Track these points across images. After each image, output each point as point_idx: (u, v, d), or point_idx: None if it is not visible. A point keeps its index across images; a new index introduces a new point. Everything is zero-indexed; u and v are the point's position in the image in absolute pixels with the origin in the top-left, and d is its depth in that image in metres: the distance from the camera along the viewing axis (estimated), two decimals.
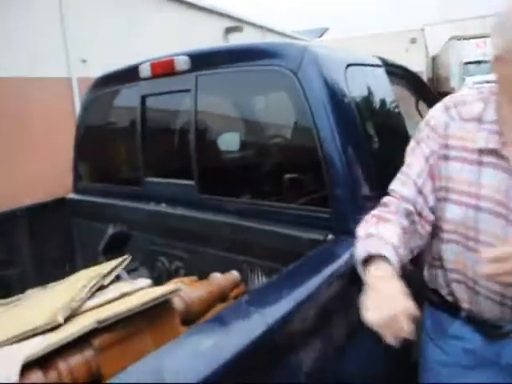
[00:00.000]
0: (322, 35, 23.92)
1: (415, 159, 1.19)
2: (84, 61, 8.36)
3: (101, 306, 1.21)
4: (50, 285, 1.91)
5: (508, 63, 1.05)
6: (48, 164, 7.48)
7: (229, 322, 1.00)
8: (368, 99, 1.92)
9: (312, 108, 1.57)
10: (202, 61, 1.93)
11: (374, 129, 1.89)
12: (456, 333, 1.24)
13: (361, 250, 1.11)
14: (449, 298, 1.25)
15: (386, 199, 1.22)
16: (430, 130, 1.18)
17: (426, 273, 1.32)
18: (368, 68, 2.01)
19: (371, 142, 1.77)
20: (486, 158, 1.10)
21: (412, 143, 1.23)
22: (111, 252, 2.03)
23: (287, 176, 1.73)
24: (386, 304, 0.94)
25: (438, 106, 1.21)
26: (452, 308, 1.24)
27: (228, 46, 2.37)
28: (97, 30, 8.52)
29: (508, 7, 1.06)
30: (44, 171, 7.37)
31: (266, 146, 1.94)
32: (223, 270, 1.65)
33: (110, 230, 2.16)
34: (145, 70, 2.12)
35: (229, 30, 13.58)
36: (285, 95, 1.77)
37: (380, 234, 1.10)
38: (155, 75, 2.09)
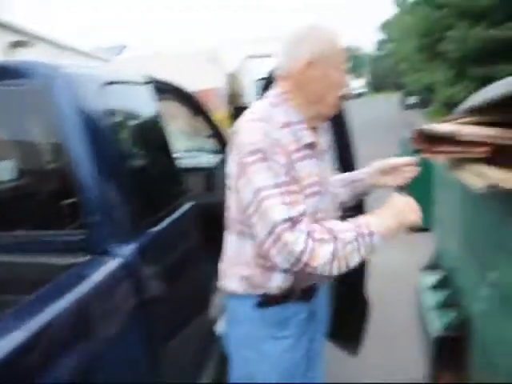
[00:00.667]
0: (120, 53, 23.58)
1: (277, 177, 1.24)
2: None
3: None
4: None
5: (316, 66, 1.34)
6: None
7: None
8: (129, 118, 1.94)
9: (64, 130, 1.53)
10: None
11: (134, 147, 1.95)
12: (291, 314, 1.43)
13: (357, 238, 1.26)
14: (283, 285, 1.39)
15: (297, 233, 1.22)
16: (268, 149, 1.25)
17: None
18: (130, 86, 2.02)
19: (130, 160, 1.81)
20: (308, 152, 1.36)
21: (253, 168, 1.25)
22: None
23: (41, 201, 1.67)
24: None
25: (254, 129, 1.29)
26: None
27: None
28: None
29: (307, 24, 1.38)
30: None
31: (20, 171, 1.83)
32: None
33: None
34: None
35: (14, 45, 12.41)
36: (37, 116, 1.71)
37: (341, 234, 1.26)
38: None
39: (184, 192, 2.16)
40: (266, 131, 1.27)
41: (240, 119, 1.35)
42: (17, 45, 12.43)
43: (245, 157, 1.25)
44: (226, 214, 1.46)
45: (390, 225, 1.32)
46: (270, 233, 1.20)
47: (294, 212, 1.21)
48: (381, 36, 56.65)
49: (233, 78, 25.31)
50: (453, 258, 2.18)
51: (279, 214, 1.19)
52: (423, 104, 24.40)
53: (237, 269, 1.41)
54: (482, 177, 1.38)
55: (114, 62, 20.32)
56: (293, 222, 1.20)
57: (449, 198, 2.27)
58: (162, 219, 1.85)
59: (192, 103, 2.90)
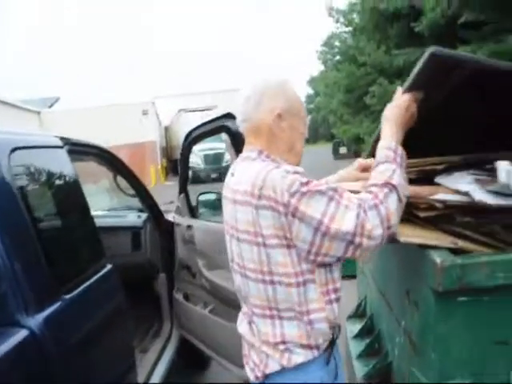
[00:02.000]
0: (52, 105, 23.24)
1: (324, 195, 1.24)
2: None
3: None
4: None
5: (285, 118, 1.39)
6: None
7: None
8: (41, 182, 1.90)
9: None
10: None
11: (47, 211, 1.89)
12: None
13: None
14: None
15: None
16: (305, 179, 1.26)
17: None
18: (41, 150, 1.98)
19: (42, 225, 1.74)
20: None
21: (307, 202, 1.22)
22: None
23: None
24: None
25: (281, 172, 1.26)
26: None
27: None
28: None
29: (272, 78, 1.44)
30: None
31: None
32: None
33: None
34: None
35: None
36: None
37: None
38: None
39: (103, 254, 2.11)
40: (288, 169, 1.28)
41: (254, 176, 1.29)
42: None
43: (292, 198, 1.22)
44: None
45: (399, 135, 1.41)
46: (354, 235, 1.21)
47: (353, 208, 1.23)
48: (309, 90, 59.78)
49: (168, 132, 25.59)
50: (374, 306, 2.25)
51: (348, 222, 1.21)
52: (353, 154, 25.67)
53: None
54: None
55: (45, 114, 19.93)
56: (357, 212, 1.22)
57: None
58: (77, 285, 1.79)
59: (114, 162, 2.88)
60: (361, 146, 21.55)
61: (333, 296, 1.33)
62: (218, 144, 18.26)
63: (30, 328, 1.43)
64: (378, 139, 1.44)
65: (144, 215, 3.24)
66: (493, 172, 1.38)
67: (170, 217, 3.27)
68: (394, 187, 1.27)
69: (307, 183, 1.24)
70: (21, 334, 1.39)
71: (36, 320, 1.46)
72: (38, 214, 1.74)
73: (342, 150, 26.39)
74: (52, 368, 1.48)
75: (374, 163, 1.39)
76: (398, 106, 1.46)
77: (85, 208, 2.09)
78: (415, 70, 1.45)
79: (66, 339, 1.61)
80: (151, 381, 2.39)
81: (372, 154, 1.57)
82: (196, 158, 18.21)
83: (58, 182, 2.03)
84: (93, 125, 17.58)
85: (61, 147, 2.11)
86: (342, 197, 1.24)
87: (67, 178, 2.08)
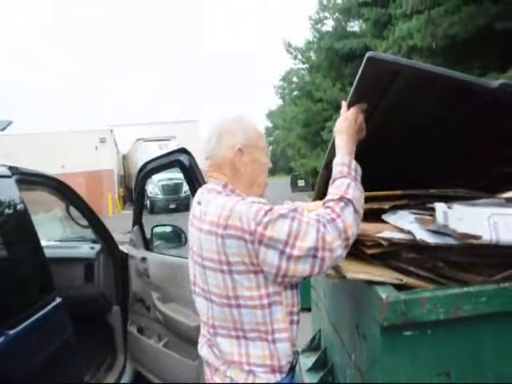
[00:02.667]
0: (4, 128, 22.56)
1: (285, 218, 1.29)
2: None
3: None
4: None
5: (247, 152, 1.44)
6: None
7: None
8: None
9: None
10: None
11: None
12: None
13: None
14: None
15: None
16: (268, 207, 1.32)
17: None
18: None
19: None
20: None
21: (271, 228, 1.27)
22: None
23: None
24: None
25: (247, 202, 1.32)
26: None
27: None
28: None
29: (231, 114, 1.52)
30: None
31: None
32: None
33: None
34: None
35: None
36: None
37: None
38: None
39: (53, 287, 2.05)
40: (254, 200, 1.34)
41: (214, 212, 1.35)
42: None
43: (258, 226, 1.27)
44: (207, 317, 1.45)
45: (351, 147, 1.50)
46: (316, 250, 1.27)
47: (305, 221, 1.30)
48: (268, 124, 60.78)
49: (126, 160, 25.25)
50: (328, 339, 2.28)
51: (310, 237, 1.27)
52: (311, 186, 26.13)
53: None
54: (337, 269, 1.51)
55: None
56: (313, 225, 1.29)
57: (318, 282, 2.42)
58: (23, 319, 1.73)
59: (66, 192, 2.84)
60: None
61: (295, 318, 1.40)
62: (177, 174, 18.16)
63: None
64: (327, 165, 1.52)
65: (97, 246, 3.17)
66: (433, 211, 1.46)
67: (124, 248, 3.22)
68: (349, 200, 1.35)
69: (271, 210, 1.30)
70: None
71: None
72: None
73: (300, 182, 26.82)
74: None
75: (330, 180, 1.46)
76: (347, 119, 1.53)
77: (34, 239, 2.04)
78: (357, 77, 1.51)
79: (9, 376, 1.55)
80: None
81: (323, 180, 1.63)
82: (154, 188, 18.04)
83: (5, 211, 1.98)
84: (49, 150, 17.12)
85: (9, 177, 2.08)
86: (302, 215, 1.31)
87: (15, 209, 2.03)
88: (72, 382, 2.06)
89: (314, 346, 2.54)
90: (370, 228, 1.61)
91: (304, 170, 22.46)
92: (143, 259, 2.91)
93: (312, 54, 19.86)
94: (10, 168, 2.12)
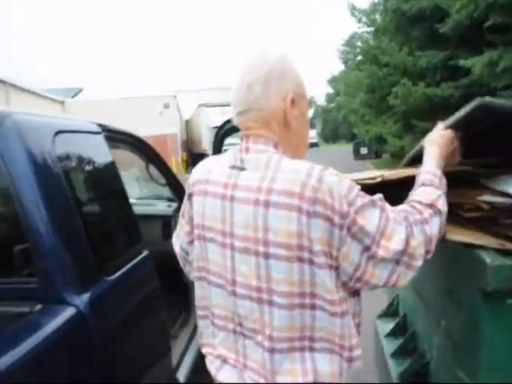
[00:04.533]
0: (75, 95, 23.48)
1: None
2: None
3: None
4: None
5: (297, 104, 1.15)
6: None
7: None
8: (81, 166, 1.93)
9: (13, 178, 1.51)
10: None
11: (89, 195, 1.92)
12: None
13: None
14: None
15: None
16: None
17: None
18: (82, 135, 2.01)
19: (84, 208, 1.78)
20: None
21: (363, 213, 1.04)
22: None
23: None
24: None
25: (336, 177, 1.05)
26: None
27: None
28: None
29: (276, 56, 1.16)
30: None
31: None
32: None
33: None
34: None
35: None
36: None
37: None
38: None
39: (141, 240, 2.13)
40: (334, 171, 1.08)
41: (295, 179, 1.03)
42: None
43: (350, 207, 1.02)
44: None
45: (442, 162, 1.33)
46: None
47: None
48: (329, 89, 59.26)
49: (189, 125, 25.67)
50: (407, 306, 2.24)
51: (398, 238, 1.06)
52: (374, 154, 25.45)
53: None
54: None
55: (68, 104, 20.12)
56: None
57: None
58: (118, 268, 1.81)
59: (146, 151, 2.90)
60: (383, 147, 21.30)
61: (359, 330, 1.14)
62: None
63: (77, 306, 1.46)
64: (414, 158, 1.40)
65: (174, 205, 3.25)
66: None
67: None
68: (439, 211, 1.16)
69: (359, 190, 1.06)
70: (68, 312, 1.43)
71: (82, 299, 1.49)
72: (80, 196, 1.77)
73: (363, 150, 26.17)
74: (95, 345, 1.51)
75: (415, 183, 1.27)
76: (443, 136, 1.39)
77: (123, 193, 2.12)
78: (458, 115, 1.44)
79: (107, 319, 1.64)
80: (181, 368, 2.41)
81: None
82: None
83: (97, 166, 2.05)
84: (115, 116, 17.63)
85: (99, 133, 2.14)
86: (386, 206, 1.09)
87: (106, 163, 2.10)
88: (158, 330, 2.16)
89: (391, 311, 2.51)
90: (469, 192, 1.53)
91: (368, 137, 21.82)
92: None
93: (377, 16, 18.98)
94: (99, 125, 2.18)
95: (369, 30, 20.74)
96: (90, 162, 1.99)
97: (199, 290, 1.24)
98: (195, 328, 3.11)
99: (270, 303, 1.05)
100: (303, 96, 1.20)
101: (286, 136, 1.15)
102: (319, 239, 1.01)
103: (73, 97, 23.17)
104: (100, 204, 1.97)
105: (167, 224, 3.17)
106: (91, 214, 1.85)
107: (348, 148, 29.65)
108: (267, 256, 1.04)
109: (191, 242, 1.26)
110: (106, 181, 2.11)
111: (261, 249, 1.04)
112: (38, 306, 1.43)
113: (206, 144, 18.95)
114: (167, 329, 2.23)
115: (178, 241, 1.39)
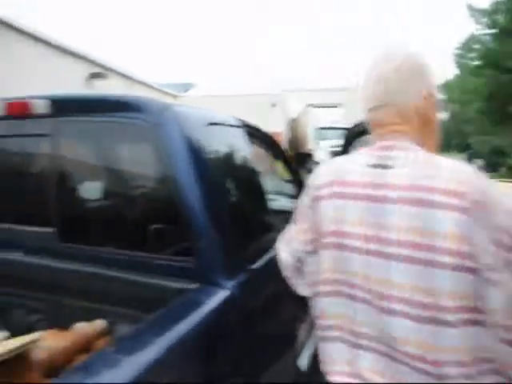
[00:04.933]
0: (187, 90, 24.65)
1: None
2: None
3: None
4: None
5: (431, 99, 1.09)
6: None
7: (95, 370, 0.99)
8: (226, 156, 2.05)
9: (173, 161, 1.63)
10: (64, 106, 1.90)
11: (232, 183, 2.03)
12: None
13: None
14: None
15: None
16: None
17: None
18: (227, 127, 2.14)
19: (230, 195, 1.89)
20: None
21: None
22: None
23: (151, 226, 1.76)
24: None
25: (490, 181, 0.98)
26: None
27: (91, 95, 2.37)
28: None
29: (411, 52, 1.10)
30: None
31: (130, 196, 1.94)
32: (86, 321, 1.60)
33: None
34: None
35: (93, 76, 13.24)
36: (147, 148, 1.81)
37: None
38: (10, 116, 1.99)
39: (277, 232, 2.20)
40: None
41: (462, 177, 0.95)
42: (94, 76, 13.23)
43: None
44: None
45: None
46: None
47: None
48: (441, 96, 55.92)
49: (295, 124, 25.85)
50: None
51: None
52: (490, 167, 23.78)
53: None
54: None
55: (180, 98, 21.19)
56: None
57: None
58: (259, 257, 1.90)
59: (273, 147, 2.98)
60: (503, 160, 19.74)
61: None
62: None
63: (230, 289, 1.55)
64: None
65: (295, 201, 3.30)
66: None
67: None
68: None
69: None
70: (223, 294, 1.52)
71: (233, 283, 1.58)
72: (229, 183, 1.88)
73: (478, 162, 24.58)
74: (243, 328, 1.59)
75: None
76: None
77: (261, 186, 2.20)
78: None
79: (253, 305, 1.72)
80: (302, 357, 2.44)
81: None
82: (323, 154, 18.03)
83: (240, 158, 2.16)
84: (223, 112, 18.30)
85: (241, 127, 2.26)
86: None
87: (247, 156, 2.21)
88: (291, 320, 2.23)
89: None
90: None
91: (484, 149, 20.43)
92: None
93: (500, 16, 17.61)
94: (239, 120, 2.31)
95: (489, 31, 19.35)
96: (234, 153, 2.10)
97: (331, 307, 1.09)
98: (312, 323, 3.14)
99: (437, 321, 0.91)
100: (435, 95, 1.12)
101: (424, 133, 1.09)
102: (484, 248, 0.89)
103: (185, 92, 24.36)
104: (242, 194, 2.06)
105: (289, 219, 3.22)
106: (236, 203, 1.94)
107: (461, 158, 27.90)
108: (433, 265, 0.91)
109: (312, 252, 1.14)
110: (247, 172, 2.21)
111: (426, 256, 0.92)
112: (195, 285, 1.54)
113: (311, 144, 18.83)
114: (295, 319, 2.28)
115: (288, 249, 1.27)
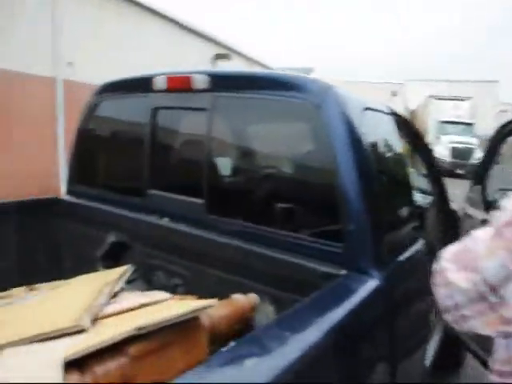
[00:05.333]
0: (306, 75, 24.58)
1: None
2: (70, 63, 8.31)
3: (118, 313, 1.18)
4: (40, 285, 1.85)
5: None
6: (22, 163, 7.29)
7: (265, 343, 1.01)
8: (380, 142, 1.98)
9: (332, 143, 1.61)
10: (223, 82, 1.96)
11: (384, 170, 1.96)
12: None
13: None
14: None
15: None
16: None
17: None
18: (380, 113, 2.08)
19: (382, 183, 1.83)
20: None
21: None
22: (109, 260, 1.98)
23: (301, 206, 1.76)
24: None
25: None
26: None
27: (252, 71, 2.43)
28: (87, 36, 8.53)
29: None
30: (17, 169, 7.18)
31: (281, 174, 1.96)
32: (225, 293, 1.64)
33: (111, 238, 2.11)
34: (159, 83, 2.12)
35: (217, 57, 13.73)
36: (304, 128, 1.81)
37: None
38: (170, 89, 2.10)
39: (419, 227, 2.10)
40: None
41: None
42: (219, 57, 13.70)
43: None
44: None
45: None
46: None
47: None
48: None
49: (413, 116, 24.72)
50: None
51: None
52: None
53: None
54: None
55: None
56: None
57: None
58: (404, 249, 1.83)
59: (417, 139, 2.83)
60: None
61: None
62: (469, 139, 16.83)
63: (379, 279, 1.50)
64: None
65: (428, 198, 3.13)
66: None
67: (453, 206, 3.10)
68: None
69: None
70: (373, 283, 1.48)
71: (382, 274, 1.53)
72: (380, 173, 1.82)
73: None
74: (386, 321, 1.55)
75: None
76: None
77: (409, 176, 2.11)
78: None
79: (396, 297, 1.67)
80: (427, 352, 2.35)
81: None
82: (443, 150, 16.95)
83: (394, 145, 2.08)
84: None
85: (390, 114, 2.20)
86: None
87: (397, 145, 2.13)
88: (424, 316, 2.14)
89: None
90: None
91: None
92: (484, 221, 2.73)
93: None
94: (388, 106, 2.24)
95: None
96: (387, 140, 2.03)
97: None
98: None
99: None
100: None
101: None
102: None
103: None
104: (393, 184, 1.99)
105: (420, 216, 3.08)
106: (387, 193, 1.87)
107: None
108: None
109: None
110: (398, 161, 2.13)
111: None
112: (343, 271, 1.51)
113: (431, 137, 17.76)
114: (429, 315, 2.18)
115: (470, 274, 0.90)
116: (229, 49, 14.33)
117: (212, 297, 1.47)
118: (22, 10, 7.35)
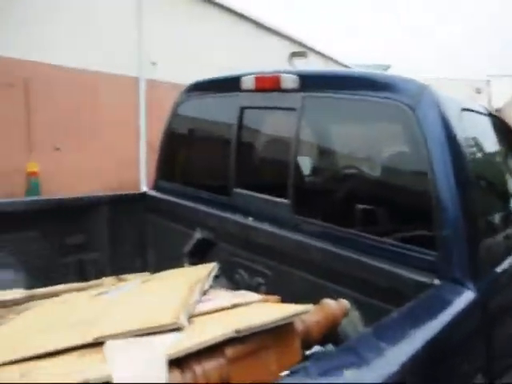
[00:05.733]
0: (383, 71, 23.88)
1: None
2: (154, 63, 8.65)
3: (211, 312, 1.20)
4: (127, 276, 1.93)
5: None
6: (106, 157, 7.72)
7: (362, 354, 0.99)
8: (477, 145, 1.88)
9: (428, 146, 1.54)
10: (312, 82, 1.94)
11: (481, 174, 1.85)
12: None
13: None
14: None
15: None
16: None
17: None
18: (477, 114, 1.98)
19: (479, 186, 1.73)
20: None
21: None
22: (195, 257, 2.03)
23: (392, 211, 1.70)
24: None
25: None
26: None
27: (342, 71, 2.40)
28: (170, 36, 8.84)
29: None
30: (102, 164, 7.61)
31: (372, 178, 1.91)
32: (308, 294, 1.62)
33: (198, 235, 2.17)
34: (248, 83, 2.14)
35: (294, 55, 13.70)
36: (398, 129, 1.75)
37: None
38: (258, 89, 2.11)
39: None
40: None
41: None
42: (296, 55, 13.64)
43: None
44: None
45: None
46: None
47: None
48: None
49: (500, 114, 23.24)
50: None
51: None
52: None
53: None
54: None
55: None
56: None
57: None
58: (502, 260, 1.73)
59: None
60: None
61: None
62: None
63: (476, 291, 1.42)
64: None
65: None
66: None
67: None
68: None
69: None
70: (469, 295, 1.40)
71: (478, 285, 1.45)
72: (479, 178, 1.72)
73: None
74: (481, 335, 1.48)
75: None
76: None
77: (508, 183, 1.98)
78: None
79: (492, 311, 1.57)
80: None
81: None
82: None
83: (493, 149, 1.98)
84: None
85: (487, 115, 2.09)
86: None
87: (497, 147, 2.01)
88: None
89: None
90: None
91: None
92: None
93: None
94: (485, 107, 2.15)
95: None
96: (486, 143, 1.92)
97: None
98: None
99: None
100: None
101: None
102: None
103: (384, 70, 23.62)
104: (492, 190, 1.87)
105: None
106: (486, 200, 1.77)
107: None
108: None
109: None
110: (497, 165, 2.01)
111: None
112: (436, 280, 1.44)
113: None
114: None
115: None
116: (306, 47, 14.24)
117: (294, 298, 1.46)
118: (108, 14, 7.75)
